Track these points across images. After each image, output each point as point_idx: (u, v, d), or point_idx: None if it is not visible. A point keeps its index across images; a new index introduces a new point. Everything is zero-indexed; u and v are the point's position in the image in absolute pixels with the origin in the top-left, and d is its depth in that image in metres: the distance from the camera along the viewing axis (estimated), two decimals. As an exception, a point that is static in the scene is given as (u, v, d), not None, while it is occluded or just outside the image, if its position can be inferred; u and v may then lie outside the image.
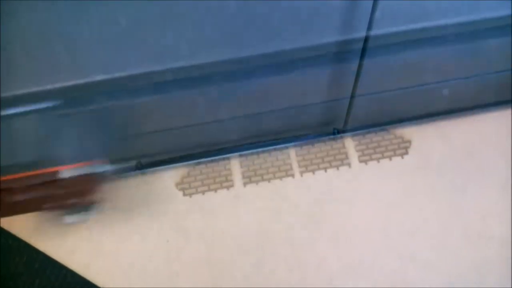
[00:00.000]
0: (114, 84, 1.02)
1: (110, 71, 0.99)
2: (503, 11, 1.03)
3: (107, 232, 1.35)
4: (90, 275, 1.28)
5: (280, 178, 1.40)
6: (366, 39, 1.01)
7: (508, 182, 1.33)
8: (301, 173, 1.41)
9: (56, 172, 1.13)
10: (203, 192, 1.40)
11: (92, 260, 1.30)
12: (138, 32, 0.93)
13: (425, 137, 1.43)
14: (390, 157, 1.41)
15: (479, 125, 1.43)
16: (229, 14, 0.93)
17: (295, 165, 1.42)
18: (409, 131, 1.45)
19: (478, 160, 1.38)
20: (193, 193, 1.40)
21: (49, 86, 0.97)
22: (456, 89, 1.31)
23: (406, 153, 1.41)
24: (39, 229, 1.35)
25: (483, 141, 1.40)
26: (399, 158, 1.41)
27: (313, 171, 1.41)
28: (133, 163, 1.41)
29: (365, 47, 1.03)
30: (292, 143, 1.44)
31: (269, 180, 1.40)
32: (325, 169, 1.41)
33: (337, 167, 1.41)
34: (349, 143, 1.45)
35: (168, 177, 1.43)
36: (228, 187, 1.40)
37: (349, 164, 1.41)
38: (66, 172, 1.13)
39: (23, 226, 1.36)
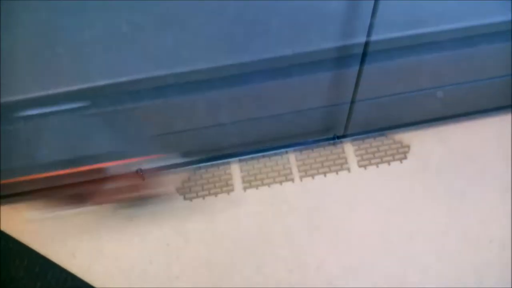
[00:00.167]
0: (113, 88, 1.03)
1: (109, 76, 1.00)
2: (503, 17, 1.04)
3: (107, 235, 1.35)
4: (90, 278, 1.28)
5: (280, 182, 1.41)
6: (366, 44, 1.02)
7: (508, 186, 1.34)
8: (301, 177, 1.42)
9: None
10: (203, 197, 1.40)
11: (93, 263, 1.31)
12: (139, 38, 0.94)
13: (424, 142, 1.44)
14: (389, 162, 1.42)
15: (478, 130, 1.45)
16: (229, 19, 0.94)
17: (294, 170, 1.43)
18: (408, 136, 1.46)
19: (477, 165, 1.39)
20: (193, 197, 1.40)
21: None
22: (455, 94, 1.32)
23: (405, 157, 1.42)
24: (46, 232, 1.36)
25: (482, 146, 1.42)
26: (398, 162, 1.42)
27: (312, 175, 1.42)
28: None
29: (365, 52, 1.05)
30: (292, 148, 1.45)
31: (269, 184, 1.41)
32: (325, 173, 1.42)
33: (337, 171, 1.42)
34: (348, 148, 1.46)
35: (169, 182, 1.44)
36: (228, 192, 1.41)
37: (348, 169, 1.42)
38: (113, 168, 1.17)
39: (24, 228, 1.37)
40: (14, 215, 1.40)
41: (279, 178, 1.42)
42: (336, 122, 1.37)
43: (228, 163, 1.46)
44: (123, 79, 1.01)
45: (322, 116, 1.36)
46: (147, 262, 1.31)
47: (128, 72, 1.01)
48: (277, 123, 1.35)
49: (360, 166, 1.42)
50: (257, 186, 1.41)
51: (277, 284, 1.25)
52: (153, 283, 1.27)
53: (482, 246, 1.26)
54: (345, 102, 1.25)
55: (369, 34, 0.99)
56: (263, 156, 1.45)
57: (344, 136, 1.42)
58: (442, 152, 1.42)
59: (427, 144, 1.44)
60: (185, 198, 1.40)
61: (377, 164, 1.42)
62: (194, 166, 1.43)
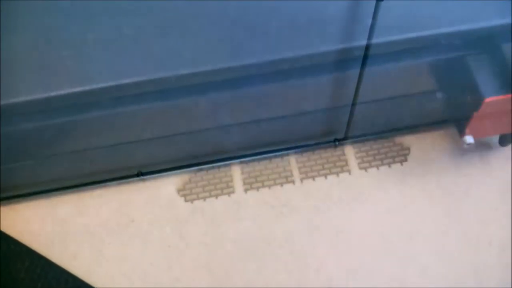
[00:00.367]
0: (115, 91, 1.03)
1: (108, 79, 1.01)
2: (503, 20, 1.05)
3: (108, 237, 1.35)
4: (91, 280, 1.28)
5: (281, 184, 1.42)
6: (367, 47, 1.03)
7: (508, 187, 1.34)
8: (302, 179, 1.42)
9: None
10: (204, 198, 1.41)
11: (94, 264, 1.31)
12: (140, 41, 0.95)
13: (424, 144, 1.45)
14: (389, 164, 1.43)
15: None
16: (230, 23, 0.95)
17: (295, 172, 1.44)
18: (408, 139, 1.47)
19: (477, 167, 1.39)
20: (194, 199, 1.41)
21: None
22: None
23: (406, 160, 1.43)
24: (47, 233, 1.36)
25: (482, 149, 1.42)
26: (398, 165, 1.42)
27: (313, 177, 1.42)
28: (134, 170, 1.42)
29: (366, 55, 1.05)
30: (293, 151, 1.46)
31: (269, 186, 1.42)
32: (325, 175, 1.42)
33: (337, 173, 1.42)
34: (349, 151, 1.46)
35: (170, 184, 1.44)
36: (229, 194, 1.41)
37: (349, 171, 1.42)
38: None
39: (24, 230, 1.37)
40: (15, 216, 1.40)
41: (280, 180, 1.42)
42: (337, 125, 1.38)
43: (229, 165, 1.46)
44: (126, 81, 1.02)
45: (323, 119, 1.37)
46: (147, 264, 1.31)
47: (129, 74, 1.01)
48: (278, 125, 1.36)
49: (360, 168, 1.42)
50: (258, 188, 1.41)
51: (278, 286, 1.25)
52: (153, 285, 1.28)
53: (482, 247, 1.27)
54: (346, 105, 1.26)
55: (370, 36, 1.00)
56: (264, 158, 1.46)
57: (345, 139, 1.42)
58: (442, 154, 1.42)
59: (427, 146, 1.44)
60: (186, 200, 1.40)
61: (377, 166, 1.42)
62: (195, 168, 1.44)
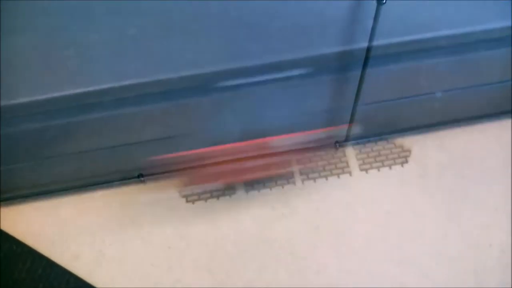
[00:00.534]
0: (117, 92, 1.04)
1: (110, 80, 1.01)
2: (503, 23, 1.05)
3: (110, 238, 1.36)
4: (93, 280, 1.29)
5: (282, 185, 1.42)
6: (368, 50, 1.03)
7: (508, 190, 1.34)
8: (303, 181, 1.42)
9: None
10: (205, 199, 1.41)
11: (95, 265, 1.31)
12: (140, 44, 0.95)
13: (424, 146, 1.45)
14: (390, 166, 1.43)
15: (478, 135, 1.46)
16: (232, 25, 0.95)
17: (296, 173, 1.44)
18: (409, 141, 1.47)
19: (477, 169, 1.39)
20: (195, 200, 1.41)
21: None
22: (455, 99, 1.33)
23: (406, 162, 1.43)
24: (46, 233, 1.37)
25: (482, 151, 1.43)
26: (399, 166, 1.42)
27: (314, 179, 1.42)
28: (135, 172, 1.42)
29: (368, 57, 1.05)
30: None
31: (271, 187, 1.42)
32: (326, 177, 1.42)
33: (338, 175, 1.42)
34: (350, 152, 1.47)
35: (171, 185, 1.44)
36: (230, 194, 1.42)
37: (350, 172, 1.42)
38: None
39: (26, 230, 1.38)
40: (16, 216, 1.40)
41: (281, 181, 1.43)
42: (339, 129, 1.38)
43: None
44: (127, 82, 1.02)
45: (323, 122, 1.37)
46: (149, 265, 1.31)
47: (131, 75, 1.01)
48: (278, 127, 1.36)
49: (361, 170, 1.42)
50: (259, 189, 1.42)
51: (278, 287, 1.25)
52: (154, 285, 1.28)
53: (482, 249, 1.27)
54: (347, 108, 1.26)
55: (371, 39, 1.00)
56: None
57: (346, 141, 1.42)
58: (442, 156, 1.43)
59: (428, 148, 1.44)
60: (187, 201, 1.41)
61: (378, 168, 1.42)
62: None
